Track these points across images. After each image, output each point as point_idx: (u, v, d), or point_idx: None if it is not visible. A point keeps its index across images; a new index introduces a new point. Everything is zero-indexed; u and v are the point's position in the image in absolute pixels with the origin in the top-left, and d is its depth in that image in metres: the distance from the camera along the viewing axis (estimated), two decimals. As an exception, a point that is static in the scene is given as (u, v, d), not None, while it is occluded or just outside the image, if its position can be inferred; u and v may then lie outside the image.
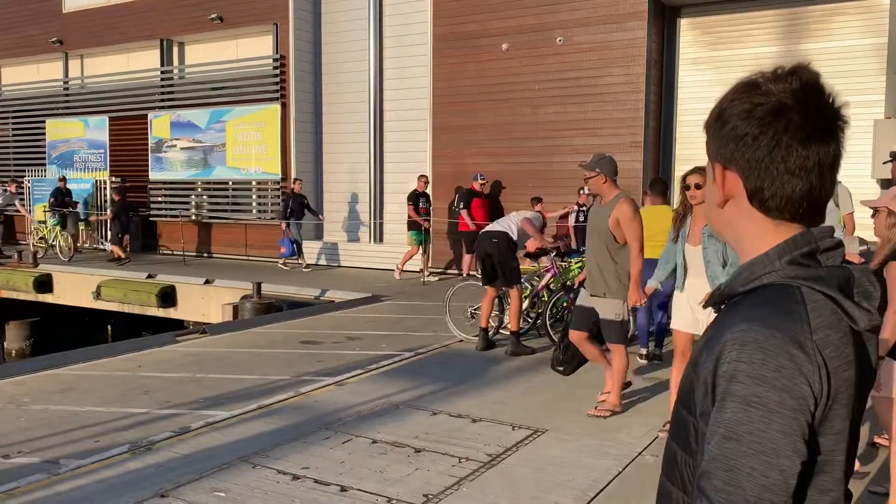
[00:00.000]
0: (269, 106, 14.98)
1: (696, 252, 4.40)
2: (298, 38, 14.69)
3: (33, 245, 15.45)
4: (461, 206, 12.01)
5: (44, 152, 18.44)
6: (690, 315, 4.45)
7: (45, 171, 18.24)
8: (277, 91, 14.91)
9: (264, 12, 14.99)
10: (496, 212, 12.30)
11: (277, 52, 14.90)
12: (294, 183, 13.73)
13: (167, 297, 11.91)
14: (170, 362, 6.72)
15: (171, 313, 12.07)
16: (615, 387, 5.08)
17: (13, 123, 19.36)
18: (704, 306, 1.13)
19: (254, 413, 5.09)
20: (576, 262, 7.85)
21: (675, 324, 4.59)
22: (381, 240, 14.61)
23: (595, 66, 12.08)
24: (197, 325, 10.82)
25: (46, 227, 15.50)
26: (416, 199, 12.34)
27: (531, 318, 7.80)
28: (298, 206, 13.56)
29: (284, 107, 14.81)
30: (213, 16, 15.49)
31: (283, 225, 13.62)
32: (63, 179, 16.11)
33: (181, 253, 15.19)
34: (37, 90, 18.94)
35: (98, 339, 13.43)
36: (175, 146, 16.32)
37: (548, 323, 7.35)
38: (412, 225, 12.28)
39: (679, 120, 12.51)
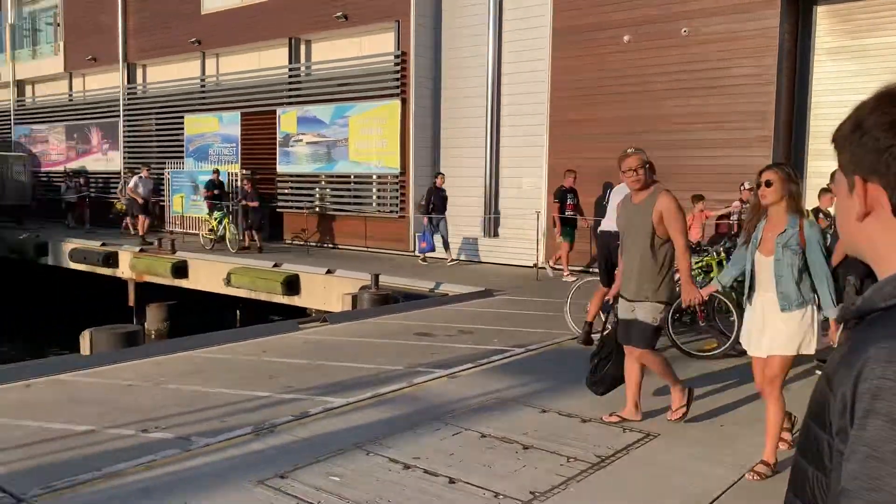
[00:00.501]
0: (389, 101, 15.34)
1: (766, 263, 3.97)
2: (419, 34, 14.95)
3: (202, 237, 15.96)
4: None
5: (182, 146, 19.71)
6: (761, 337, 4.02)
7: (182, 163, 19.48)
8: (398, 87, 15.24)
9: (387, 10, 15.34)
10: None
11: (399, 49, 15.22)
12: (437, 177, 13.72)
13: (292, 285, 12.46)
14: (292, 348, 7.05)
15: (294, 301, 12.62)
16: (675, 388, 4.78)
17: (156, 119, 20.80)
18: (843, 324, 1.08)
19: (368, 401, 5.27)
20: (696, 262, 7.59)
21: (750, 350, 4.15)
22: (495, 234, 14.66)
23: (722, 57, 11.59)
24: (318, 313, 11.28)
25: (215, 219, 15.78)
26: (562, 195, 11.98)
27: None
28: (440, 200, 13.44)
29: (404, 102, 15.12)
30: (339, 14, 16.01)
31: (425, 220, 13.58)
32: (216, 172, 16.94)
33: (305, 243, 15.87)
34: (177, 87, 20.26)
35: (228, 323, 14.28)
36: (301, 140, 17.02)
37: (670, 325, 7.10)
38: (563, 221, 11.76)
39: (813, 113, 11.80)
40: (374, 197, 16.31)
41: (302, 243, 15.96)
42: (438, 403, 5.23)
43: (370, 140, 15.77)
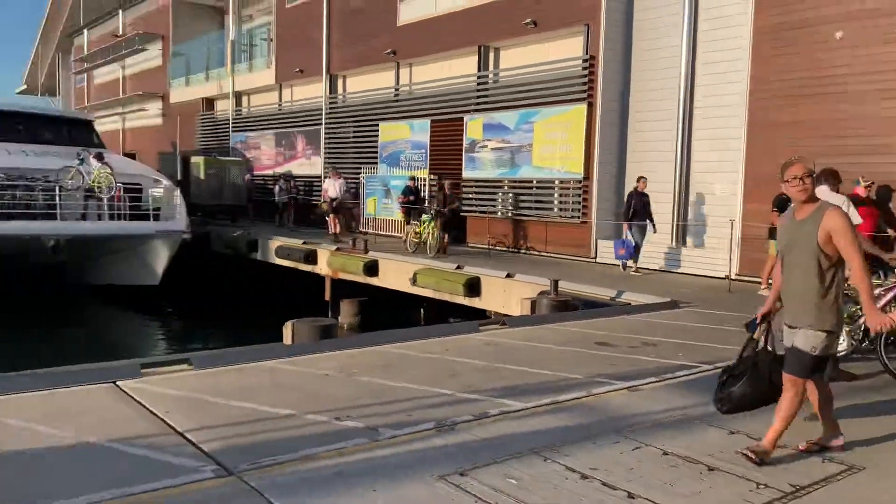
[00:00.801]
0: (575, 106, 15.23)
1: None
2: (609, 38, 14.73)
3: (407, 241, 16.21)
4: None
5: (376, 152, 20.82)
6: None
7: (375, 168, 20.57)
8: (585, 91, 15.10)
9: (577, 14, 15.26)
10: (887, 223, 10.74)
11: (587, 53, 15.08)
12: (639, 181, 13.29)
13: (473, 287, 12.76)
14: (472, 349, 7.24)
15: (475, 303, 12.91)
16: (779, 423, 4.30)
17: (353, 126, 22.15)
18: None
19: (546, 407, 5.29)
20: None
21: None
22: (684, 243, 14.09)
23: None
24: (497, 315, 11.45)
25: (421, 224, 16.01)
26: (782, 204, 11.36)
27: (856, 341, 6.95)
28: (642, 205, 13.10)
29: (591, 106, 14.96)
30: (528, 21, 16.16)
31: (626, 226, 13.37)
32: (413, 179, 17.77)
33: (487, 247, 16.16)
34: (372, 97, 21.45)
35: (413, 320, 14.89)
36: (486, 146, 17.38)
37: (882, 348, 6.46)
38: (772, 232, 11.23)
39: None
40: (556, 202, 16.27)
41: (484, 247, 16.27)
42: (618, 416, 5.14)
43: (554, 145, 15.76)
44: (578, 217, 15.46)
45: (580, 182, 15.33)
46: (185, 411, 4.94)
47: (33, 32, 48.96)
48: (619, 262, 13.64)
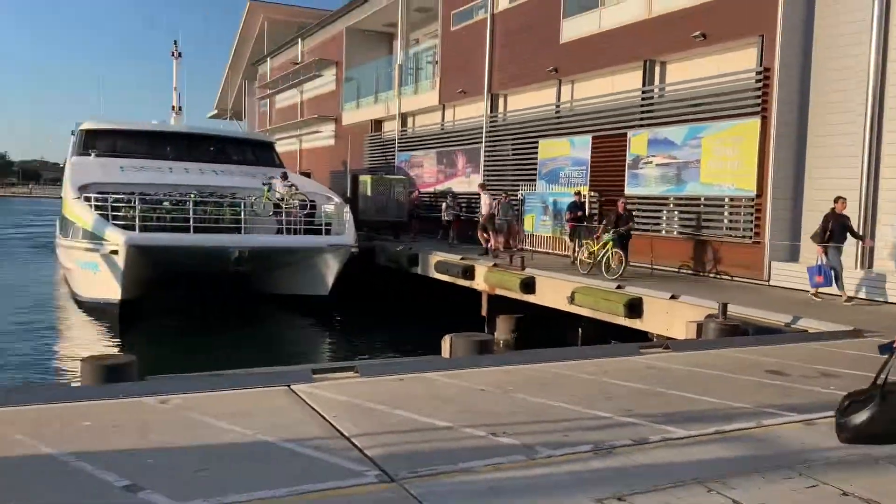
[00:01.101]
0: (748, 120, 14.48)
1: None
2: (786, 49, 13.90)
3: (579, 261, 15.44)
4: None
5: (535, 169, 20.87)
6: None
7: (534, 186, 20.61)
8: (758, 105, 14.33)
9: (750, 25, 14.54)
10: None
11: (761, 65, 14.30)
12: (836, 202, 12.23)
13: (634, 308, 12.42)
14: (632, 372, 7.05)
15: (636, 324, 12.55)
16: None
17: (512, 144, 22.35)
18: None
19: (710, 436, 5.05)
20: None
21: None
22: (870, 266, 12.94)
23: None
24: (660, 338, 11.07)
25: (597, 243, 15.17)
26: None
27: None
28: (840, 227, 12.06)
29: (764, 120, 14.16)
30: (697, 34, 15.60)
31: (820, 249, 12.17)
32: (578, 193, 17.55)
33: (649, 266, 15.68)
34: (532, 114, 21.54)
35: (569, 339, 14.73)
36: (651, 162, 16.90)
37: None
38: None
39: None
40: (726, 221, 15.49)
41: (646, 266, 15.80)
42: (790, 450, 4.80)
43: (724, 161, 15.04)
44: (750, 237, 14.63)
45: (752, 200, 14.52)
46: (351, 417, 5.20)
47: (224, 62, 53.80)
48: (803, 287, 12.74)
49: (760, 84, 14.30)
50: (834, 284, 12.06)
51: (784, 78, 13.96)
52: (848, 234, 12.07)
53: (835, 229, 11.98)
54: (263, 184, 19.20)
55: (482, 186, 21.18)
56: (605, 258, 14.69)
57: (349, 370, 6.57)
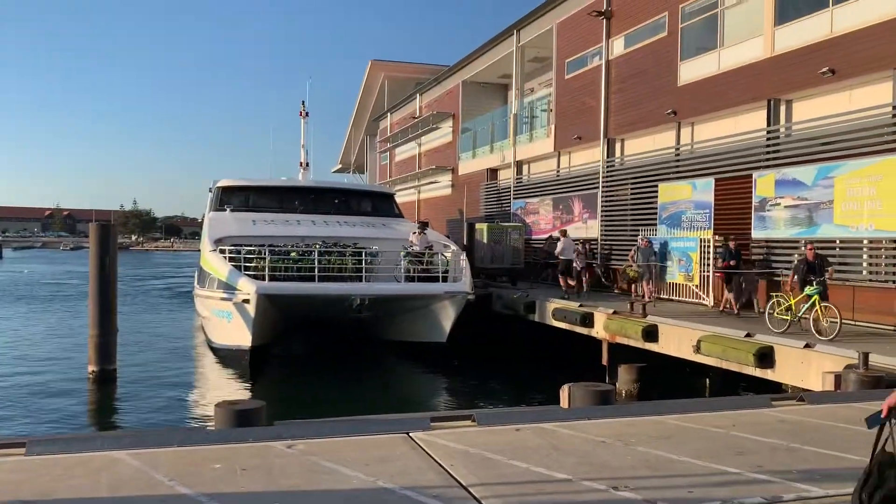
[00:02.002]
0: (886, 158, 13.61)
1: None
2: (925, 79, 13.04)
3: (774, 317, 13.30)
4: None
5: (655, 213, 20.39)
6: None
7: (655, 230, 20.13)
8: (896, 141, 13.45)
9: (882, 59, 13.79)
10: None
11: (897, 99, 13.48)
12: None
13: (765, 357, 11.77)
14: (763, 425, 6.66)
15: (767, 374, 11.88)
16: None
17: (631, 188, 21.98)
18: None
19: (849, 497, 4.68)
20: None
21: None
22: None
23: None
24: (794, 390, 10.42)
25: (792, 296, 13.27)
26: None
27: None
28: None
29: (905, 157, 13.26)
30: (825, 70, 14.94)
31: None
32: (733, 240, 16.60)
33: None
34: (651, 157, 21.16)
35: (696, 390, 14.10)
36: (779, 204, 16.14)
37: None
38: None
39: None
40: (865, 264, 14.49)
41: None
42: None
43: (860, 202, 14.14)
44: (894, 282, 13.60)
45: (895, 241, 13.53)
46: (468, 466, 5.21)
47: (347, 120, 56.51)
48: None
49: (897, 119, 13.46)
50: None
51: (925, 111, 13.08)
52: None
53: None
54: (427, 246, 20.01)
55: (563, 233, 21.64)
56: (811, 314, 12.47)
57: (466, 419, 6.60)
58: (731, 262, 16.23)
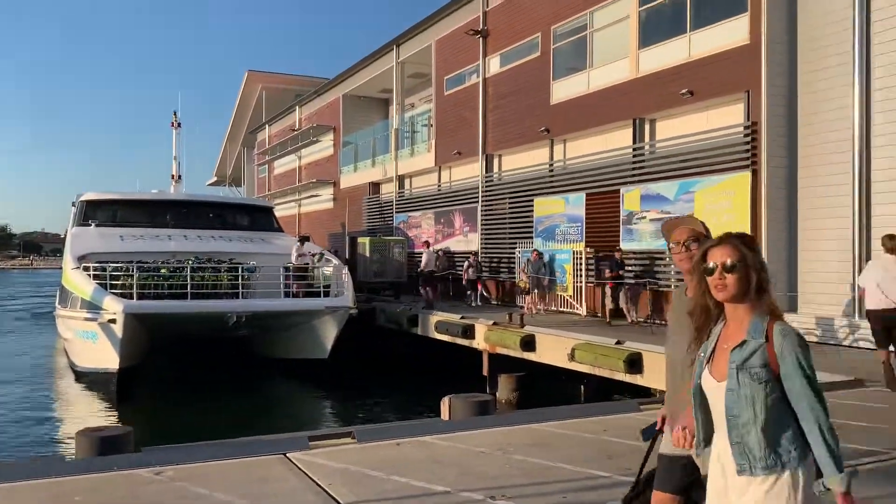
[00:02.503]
0: (738, 174, 14.68)
1: (718, 392, 2.47)
2: (772, 103, 14.20)
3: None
4: None
5: (531, 226, 21.03)
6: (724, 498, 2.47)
7: (531, 242, 20.74)
8: (748, 159, 14.54)
9: (736, 82, 14.88)
10: None
11: (748, 120, 14.58)
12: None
13: (634, 363, 12.35)
14: (633, 429, 6.93)
15: (637, 380, 12.46)
16: None
17: (509, 202, 22.58)
18: None
19: (712, 494, 4.98)
20: None
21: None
22: (863, 315, 12.90)
23: None
24: (662, 393, 10.98)
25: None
26: None
27: None
28: None
29: (755, 174, 14.36)
30: (684, 91, 15.95)
31: None
32: (619, 251, 17.22)
33: (647, 320, 15.64)
34: (527, 173, 21.83)
35: (573, 396, 14.59)
36: (644, 218, 17.05)
37: None
38: None
39: None
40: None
41: (645, 321, 15.77)
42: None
43: (718, 215, 15.16)
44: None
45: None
46: (347, 484, 5.14)
47: (223, 131, 54.83)
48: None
49: (749, 138, 14.55)
50: None
51: (771, 131, 14.22)
52: None
53: None
54: (313, 254, 19.70)
55: (426, 244, 23.05)
56: None
57: (346, 436, 6.52)
58: (620, 272, 16.83)
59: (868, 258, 12.88)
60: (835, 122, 13.47)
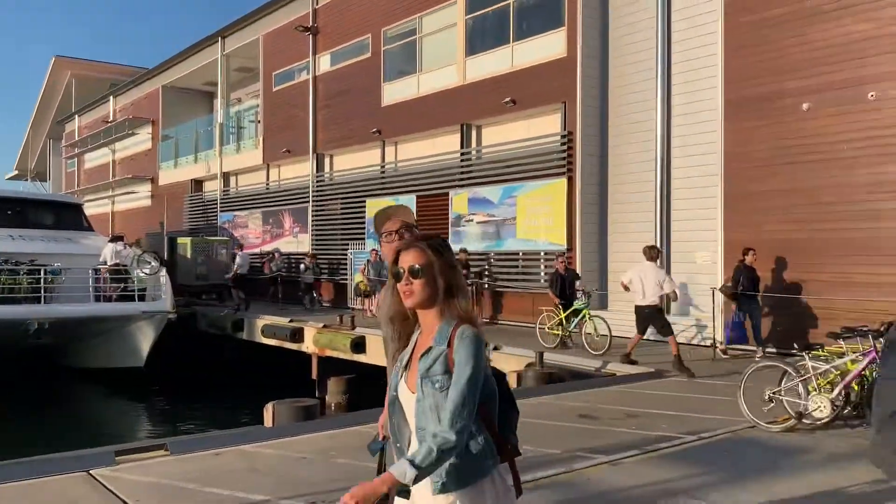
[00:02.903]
0: (556, 180, 15.52)
1: (410, 404, 2.35)
2: (585, 114, 15.15)
3: (546, 332, 12.96)
4: None
5: (363, 228, 21.01)
6: None
7: (364, 244, 20.72)
8: (565, 166, 15.42)
9: (554, 94, 15.73)
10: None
11: (565, 129, 15.47)
12: (745, 253, 11.63)
13: (460, 362, 12.64)
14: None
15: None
16: None
17: (341, 203, 22.41)
18: None
19: (526, 486, 5.20)
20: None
21: None
22: (668, 311, 14.11)
23: (918, 120, 10.69)
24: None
25: (564, 312, 12.67)
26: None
27: (837, 406, 6.89)
28: (750, 281, 11.48)
29: (570, 180, 15.25)
30: (508, 100, 16.62)
31: (733, 305, 11.56)
32: (464, 251, 16.42)
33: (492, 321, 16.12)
34: (359, 174, 21.78)
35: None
36: (472, 220, 17.58)
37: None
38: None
39: None
40: (543, 273, 16.36)
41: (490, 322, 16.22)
42: (598, 492, 5.07)
43: (538, 218, 15.97)
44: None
45: (563, 253, 15.46)
46: (157, 499, 4.84)
47: (25, 119, 49.92)
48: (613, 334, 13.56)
49: (565, 147, 15.44)
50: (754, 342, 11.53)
51: (585, 140, 15.18)
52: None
53: (746, 284, 11.41)
54: (138, 254, 18.34)
55: (240, 246, 23.17)
56: (583, 328, 12.42)
57: (158, 448, 6.13)
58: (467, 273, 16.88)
59: (669, 262, 14.12)
60: (639, 134, 14.60)
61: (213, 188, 29.54)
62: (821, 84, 11.76)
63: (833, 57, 11.61)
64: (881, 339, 6.69)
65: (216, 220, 28.45)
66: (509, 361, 11.74)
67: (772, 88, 12.37)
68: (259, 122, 26.78)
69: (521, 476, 5.40)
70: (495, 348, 12.45)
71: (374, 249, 19.06)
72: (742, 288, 11.45)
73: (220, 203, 28.54)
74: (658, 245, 14.01)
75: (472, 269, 17.27)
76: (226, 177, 28.82)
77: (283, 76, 25.38)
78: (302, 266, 21.87)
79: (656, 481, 5.30)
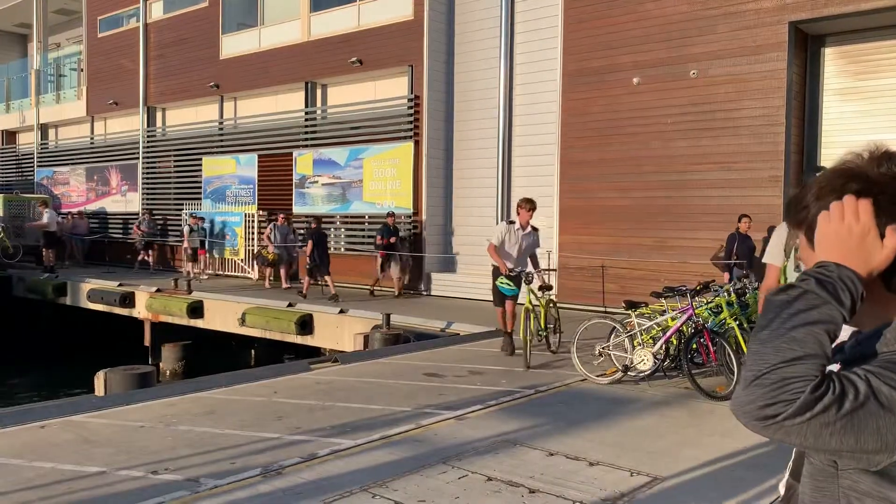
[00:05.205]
0: (403, 144, 15.57)
1: None
2: (432, 78, 15.25)
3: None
4: None
5: (200, 187, 20.04)
6: None
7: (200, 204, 19.78)
8: (411, 129, 15.49)
9: (400, 55, 15.67)
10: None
11: (412, 93, 15.50)
12: (741, 220, 10.96)
13: (305, 325, 12.56)
14: (303, 389, 7.10)
15: (308, 340, 12.70)
16: None
17: (174, 160, 21.20)
18: None
19: (376, 443, 5.30)
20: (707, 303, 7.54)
21: None
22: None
23: (731, 98, 11.73)
24: (332, 352, 11.34)
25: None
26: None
27: (659, 359, 7.53)
28: (747, 250, 10.80)
29: (417, 144, 15.36)
30: (354, 59, 16.37)
31: (725, 275, 10.75)
32: (392, 215, 14.82)
33: (319, 283, 15.94)
34: (195, 130, 20.68)
35: (243, 362, 14.36)
36: (317, 182, 17.28)
37: (686, 360, 6.89)
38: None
39: (823, 153, 11.87)
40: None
41: (316, 283, 16.04)
42: (445, 446, 5.25)
43: (384, 181, 15.98)
44: (410, 251, 15.70)
45: (410, 217, 15.63)
46: (-26, 478, 4.44)
47: None
48: (457, 296, 13.91)
49: (412, 110, 15.50)
50: None
51: (431, 105, 15.31)
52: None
53: (740, 252, 10.75)
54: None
55: (45, 204, 20.71)
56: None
57: (-27, 423, 5.61)
58: (392, 240, 14.61)
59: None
60: (484, 101, 14.94)
61: (28, 141, 26.90)
62: (650, 60, 12.57)
63: (662, 34, 12.43)
64: (696, 298, 7.40)
65: (33, 175, 25.99)
66: (356, 324, 11.79)
67: (607, 62, 13.06)
68: (82, 70, 24.61)
69: (372, 434, 5.50)
70: (341, 311, 12.43)
71: (280, 214, 16.65)
72: (736, 257, 10.76)
73: (38, 157, 26.07)
74: (498, 211, 14.53)
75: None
76: (44, 129, 26.33)
77: (110, 22, 23.40)
78: (186, 228, 18.64)
79: (498, 433, 5.56)
